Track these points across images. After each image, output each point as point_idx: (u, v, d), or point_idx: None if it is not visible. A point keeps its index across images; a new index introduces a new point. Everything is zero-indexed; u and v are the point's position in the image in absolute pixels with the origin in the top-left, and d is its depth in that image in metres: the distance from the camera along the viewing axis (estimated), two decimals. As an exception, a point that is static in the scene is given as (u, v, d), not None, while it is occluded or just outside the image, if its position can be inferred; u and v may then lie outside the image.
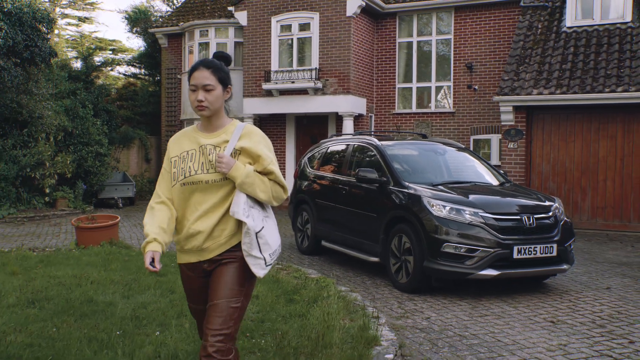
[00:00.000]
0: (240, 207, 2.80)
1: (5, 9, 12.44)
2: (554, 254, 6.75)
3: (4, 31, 12.33)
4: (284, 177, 18.53)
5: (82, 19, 35.34)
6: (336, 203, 8.68)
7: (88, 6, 35.37)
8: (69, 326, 4.73)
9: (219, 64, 2.89)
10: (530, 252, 6.60)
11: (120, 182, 18.16)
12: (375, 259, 7.65)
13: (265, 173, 2.86)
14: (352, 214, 8.25)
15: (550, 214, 6.97)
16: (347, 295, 6.09)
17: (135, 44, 46.82)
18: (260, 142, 2.89)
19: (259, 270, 2.82)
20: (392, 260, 7.25)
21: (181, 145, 2.90)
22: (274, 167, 2.88)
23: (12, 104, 13.43)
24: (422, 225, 6.76)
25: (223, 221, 2.86)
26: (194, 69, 2.85)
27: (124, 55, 30.27)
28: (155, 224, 2.84)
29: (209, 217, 2.83)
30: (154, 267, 2.75)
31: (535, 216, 6.80)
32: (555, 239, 6.81)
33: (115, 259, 7.67)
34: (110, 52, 31.66)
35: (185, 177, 2.84)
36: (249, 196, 2.85)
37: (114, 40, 32.92)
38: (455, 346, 5.03)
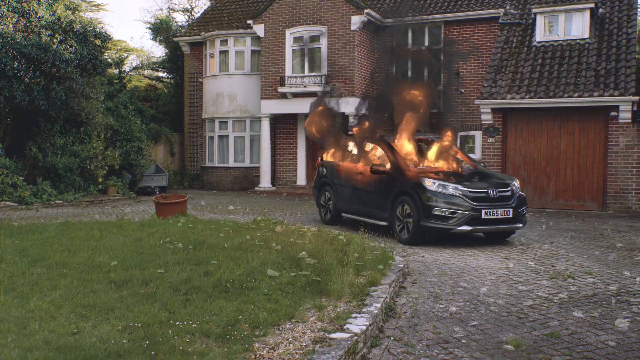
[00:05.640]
0: None
1: (75, 29, 15.21)
2: (510, 216, 9.67)
3: (74, 48, 15.10)
4: (296, 167, 21.48)
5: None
6: (354, 184, 11.52)
7: (94, 8, 37.90)
8: (206, 250, 7.53)
9: None
10: (493, 214, 9.51)
11: (154, 173, 20.95)
12: (384, 223, 10.52)
13: None
14: (366, 191, 11.11)
15: (509, 188, 9.87)
16: (369, 242, 8.95)
17: (138, 43, 49.53)
18: None
19: None
20: (397, 223, 10.14)
21: None
22: None
23: (77, 107, 16.19)
24: (419, 196, 9.64)
25: None
26: None
27: (129, 53, 32.87)
28: None
29: None
30: None
31: (498, 190, 9.71)
32: (512, 205, 9.72)
33: (194, 222, 10.46)
34: (115, 52, 34.20)
35: None
36: None
37: (119, 41, 35.45)
38: (440, 268, 7.93)
